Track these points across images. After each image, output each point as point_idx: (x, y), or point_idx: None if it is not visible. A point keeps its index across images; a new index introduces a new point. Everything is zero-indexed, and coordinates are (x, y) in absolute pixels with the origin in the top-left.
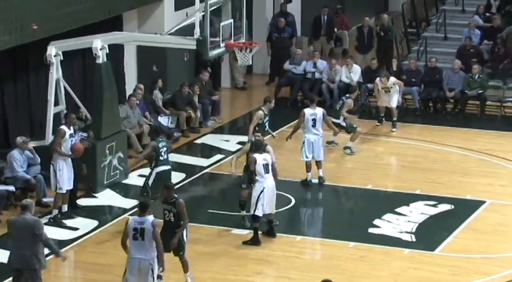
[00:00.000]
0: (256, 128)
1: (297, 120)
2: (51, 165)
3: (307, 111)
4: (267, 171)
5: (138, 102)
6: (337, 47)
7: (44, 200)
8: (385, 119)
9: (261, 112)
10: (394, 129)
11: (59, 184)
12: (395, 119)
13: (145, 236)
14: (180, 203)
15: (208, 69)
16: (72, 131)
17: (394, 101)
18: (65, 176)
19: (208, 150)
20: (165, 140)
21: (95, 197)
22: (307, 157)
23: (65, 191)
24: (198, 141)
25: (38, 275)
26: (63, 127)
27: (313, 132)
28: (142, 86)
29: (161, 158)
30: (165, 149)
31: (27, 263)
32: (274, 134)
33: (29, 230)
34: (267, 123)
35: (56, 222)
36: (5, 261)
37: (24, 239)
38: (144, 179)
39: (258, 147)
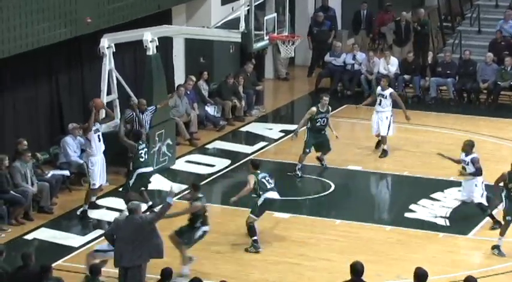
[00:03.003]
0: (308, 124)
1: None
2: (84, 163)
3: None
4: None
5: (188, 92)
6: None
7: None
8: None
9: (314, 109)
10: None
11: (92, 180)
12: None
13: None
14: None
15: (252, 61)
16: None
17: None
18: (96, 171)
19: (252, 138)
20: (145, 144)
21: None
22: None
23: (97, 187)
24: (243, 129)
25: (142, 272)
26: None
27: (377, 110)
28: (194, 78)
29: (141, 159)
30: (144, 151)
31: (131, 261)
32: (335, 133)
33: (135, 231)
34: (321, 120)
35: (84, 218)
36: (60, 241)
37: (130, 239)
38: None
39: None
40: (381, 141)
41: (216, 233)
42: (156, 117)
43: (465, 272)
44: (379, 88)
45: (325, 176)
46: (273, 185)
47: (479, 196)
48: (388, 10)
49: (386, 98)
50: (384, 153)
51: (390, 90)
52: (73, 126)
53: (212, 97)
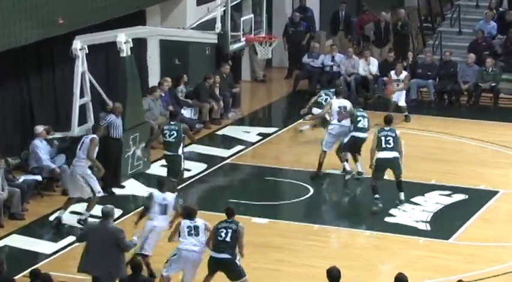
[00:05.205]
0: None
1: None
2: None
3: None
4: None
5: (163, 94)
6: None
7: None
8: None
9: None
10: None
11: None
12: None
13: None
14: None
15: (229, 62)
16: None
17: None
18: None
19: (229, 141)
20: (175, 125)
21: (122, 186)
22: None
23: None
24: (219, 132)
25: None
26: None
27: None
28: (169, 79)
29: (165, 140)
30: (167, 132)
31: (103, 270)
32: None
33: (108, 239)
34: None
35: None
36: (32, 248)
37: (102, 247)
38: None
39: None
40: (400, 110)
41: None
42: (131, 121)
43: (446, 278)
44: (392, 73)
45: (302, 180)
46: None
47: None
48: (366, 11)
49: (402, 81)
50: (407, 118)
51: (404, 74)
52: (42, 128)
53: (189, 99)
